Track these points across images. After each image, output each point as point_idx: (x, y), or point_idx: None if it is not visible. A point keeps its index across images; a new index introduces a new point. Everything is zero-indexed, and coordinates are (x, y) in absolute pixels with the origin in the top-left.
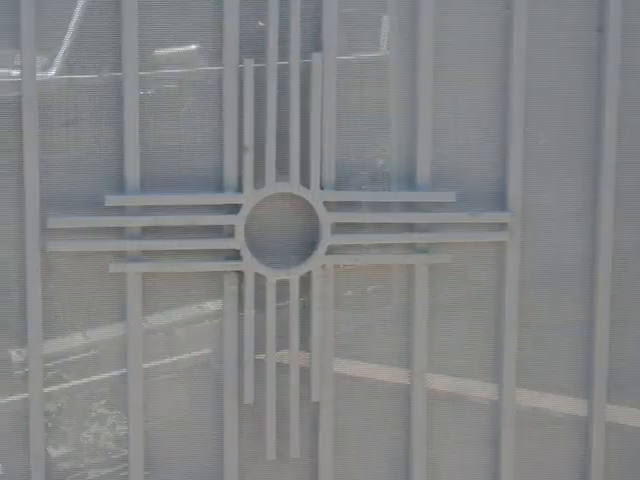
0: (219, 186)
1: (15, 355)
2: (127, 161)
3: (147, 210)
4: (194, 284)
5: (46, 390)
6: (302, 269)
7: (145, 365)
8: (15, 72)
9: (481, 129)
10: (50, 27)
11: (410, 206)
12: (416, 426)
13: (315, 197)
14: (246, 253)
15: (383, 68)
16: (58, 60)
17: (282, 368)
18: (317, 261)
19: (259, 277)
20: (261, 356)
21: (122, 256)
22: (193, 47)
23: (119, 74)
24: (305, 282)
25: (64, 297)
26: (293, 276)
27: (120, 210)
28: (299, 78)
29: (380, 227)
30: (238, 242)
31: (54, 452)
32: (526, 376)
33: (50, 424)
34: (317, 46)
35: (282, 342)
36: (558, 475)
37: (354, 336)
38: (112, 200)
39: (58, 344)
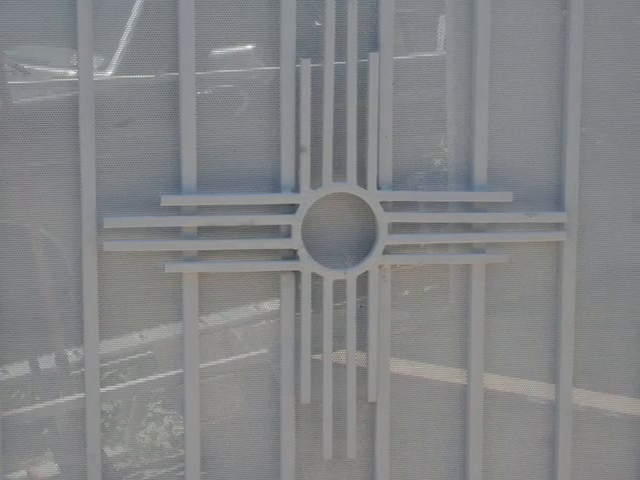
0: (276, 186)
1: (72, 355)
2: (184, 161)
3: (203, 210)
4: (250, 284)
5: (103, 390)
6: (359, 269)
7: (201, 365)
8: (72, 72)
9: (538, 129)
10: (107, 27)
11: (467, 206)
12: (473, 426)
13: (372, 197)
14: (303, 253)
15: (440, 68)
16: (115, 60)
17: (339, 368)
18: (374, 261)
19: (316, 277)
20: (318, 356)
21: (178, 256)
22: (250, 47)
23: (176, 74)
24: (362, 282)
25: (120, 297)
26: (350, 276)
27: (176, 210)
28: (356, 78)
29: (437, 227)
30: (295, 242)
31: (110, 452)
32: (583, 376)
33: (107, 424)
34: (374, 46)
35: (339, 342)
36: (615, 475)
37: (411, 336)
38: (168, 200)
39: (114, 344)
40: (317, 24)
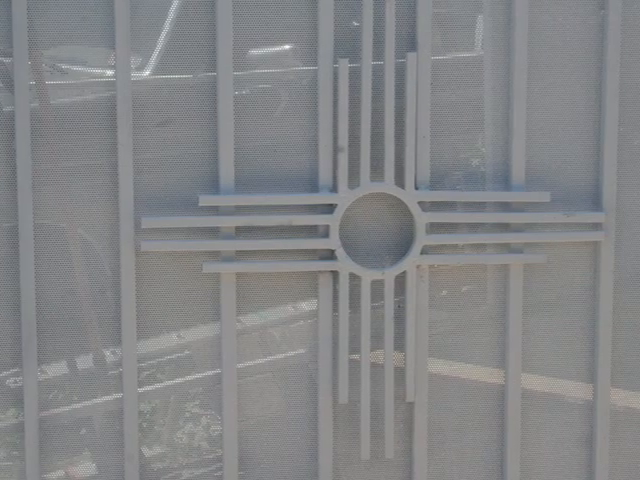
0: (313, 186)
1: (109, 355)
2: (221, 161)
3: (241, 210)
4: (288, 284)
5: (140, 390)
6: (397, 269)
7: (239, 365)
8: (109, 72)
9: (576, 129)
10: (145, 27)
11: (505, 206)
12: (511, 426)
13: (410, 197)
14: (341, 253)
15: (477, 68)
16: (152, 60)
17: (377, 368)
18: (412, 261)
19: (354, 277)
20: (355, 356)
21: (216, 256)
22: (287, 47)
23: (214, 74)
24: (400, 282)
25: (158, 297)
26: (388, 276)
27: (214, 210)
28: (394, 78)
29: (475, 227)
30: (333, 242)
31: (148, 452)
32: (621, 376)
33: (144, 424)
34: (412, 46)
35: (377, 342)
36: None
37: (449, 336)
38: (206, 200)
39: (152, 344)
40: (355, 24)
